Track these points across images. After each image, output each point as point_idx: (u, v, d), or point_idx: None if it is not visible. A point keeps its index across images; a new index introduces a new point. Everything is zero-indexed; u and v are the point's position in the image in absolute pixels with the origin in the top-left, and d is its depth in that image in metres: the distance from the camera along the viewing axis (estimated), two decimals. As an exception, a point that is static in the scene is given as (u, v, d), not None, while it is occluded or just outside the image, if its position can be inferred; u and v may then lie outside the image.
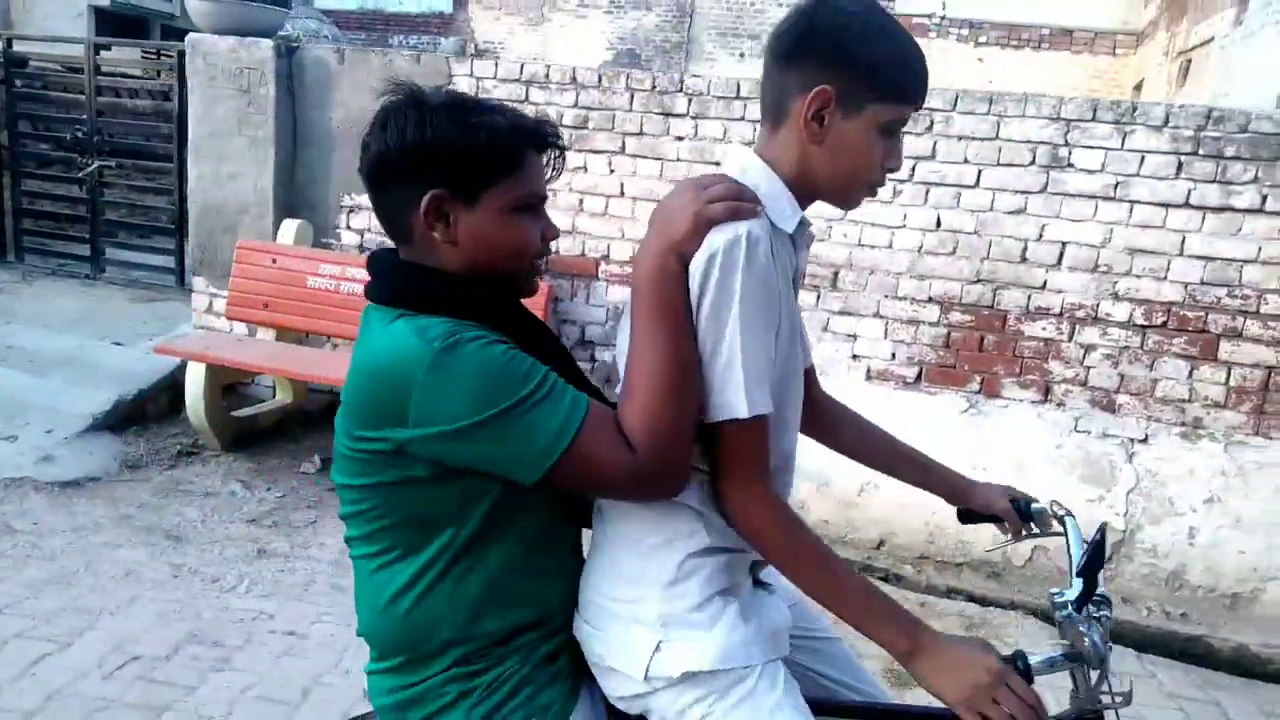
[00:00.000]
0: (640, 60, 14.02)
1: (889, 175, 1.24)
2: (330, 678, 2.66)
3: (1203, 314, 3.62)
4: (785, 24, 1.20)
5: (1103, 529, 1.34)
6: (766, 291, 1.14)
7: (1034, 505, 1.60)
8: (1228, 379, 3.62)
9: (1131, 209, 3.64)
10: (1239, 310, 3.57)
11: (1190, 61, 9.24)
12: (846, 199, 1.27)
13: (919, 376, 3.97)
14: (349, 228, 4.76)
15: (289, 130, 4.75)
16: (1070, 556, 1.49)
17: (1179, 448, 3.70)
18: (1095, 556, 1.29)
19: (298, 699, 2.55)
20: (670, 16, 13.91)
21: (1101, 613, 1.34)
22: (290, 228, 4.59)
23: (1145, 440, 3.74)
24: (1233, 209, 3.53)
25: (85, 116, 5.73)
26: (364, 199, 4.69)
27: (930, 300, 3.92)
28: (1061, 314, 3.77)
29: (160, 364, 4.55)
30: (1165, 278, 3.64)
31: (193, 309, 4.99)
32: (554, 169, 1.27)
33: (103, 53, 5.86)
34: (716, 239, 1.12)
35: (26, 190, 6.13)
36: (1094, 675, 1.29)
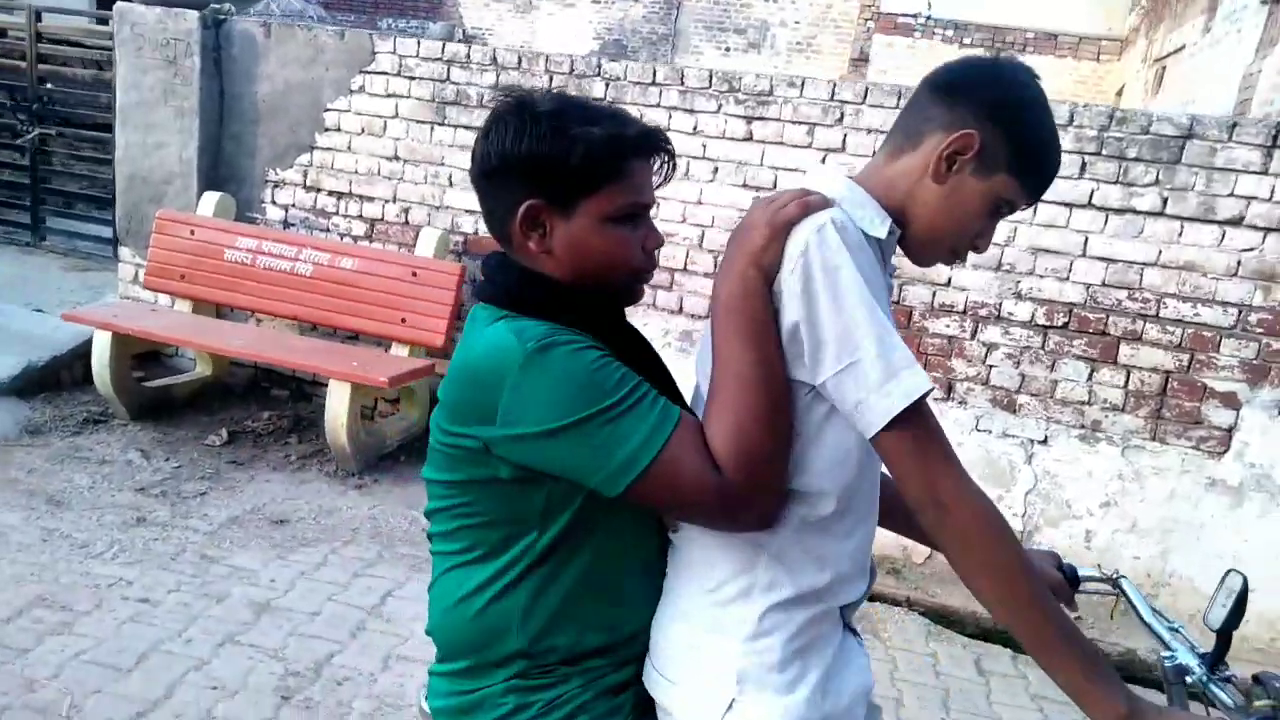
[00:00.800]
0: (627, 51, 13.98)
1: (971, 253, 1.22)
2: (171, 645, 2.64)
3: (1103, 316, 3.58)
4: (961, 64, 1.18)
5: (1244, 581, 1.26)
6: (875, 273, 1.07)
7: (1082, 571, 1.52)
8: (1126, 382, 3.59)
9: (1035, 208, 3.60)
10: (1138, 314, 3.54)
11: (1165, 68, 9.20)
12: (927, 251, 1.21)
13: (825, 370, 3.94)
14: (274, 202, 4.74)
15: (216, 102, 4.73)
16: (1140, 618, 1.41)
17: (1078, 450, 3.68)
18: (1236, 612, 1.22)
19: (130, 665, 2.53)
20: (657, 8, 13.86)
21: (1230, 672, 1.25)
22: (210, 200, 4.57)
23: (1045, 441, 3.71)
24: (1134, 211, 3.50)
25: (25, 84, 5.71)
26: (289, 174, 4.67)
27: (838, 293, 3.88)
28: (965, 312, 3.74)
29: (78, 332, 4.53)
30: (1068, 278, 3.61)
31: (119, 279, 4.97)
32: (664, 176, 1.23)
33: (45, 20, 5.83)
34: (799, 235, 1.07)
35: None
36: None
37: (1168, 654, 1.28)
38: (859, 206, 1.14)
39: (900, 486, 1.05)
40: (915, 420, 1.03)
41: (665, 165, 1.21)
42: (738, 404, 1.08)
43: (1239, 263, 3.40)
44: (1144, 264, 3.51)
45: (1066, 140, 3.53)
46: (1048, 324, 3.65)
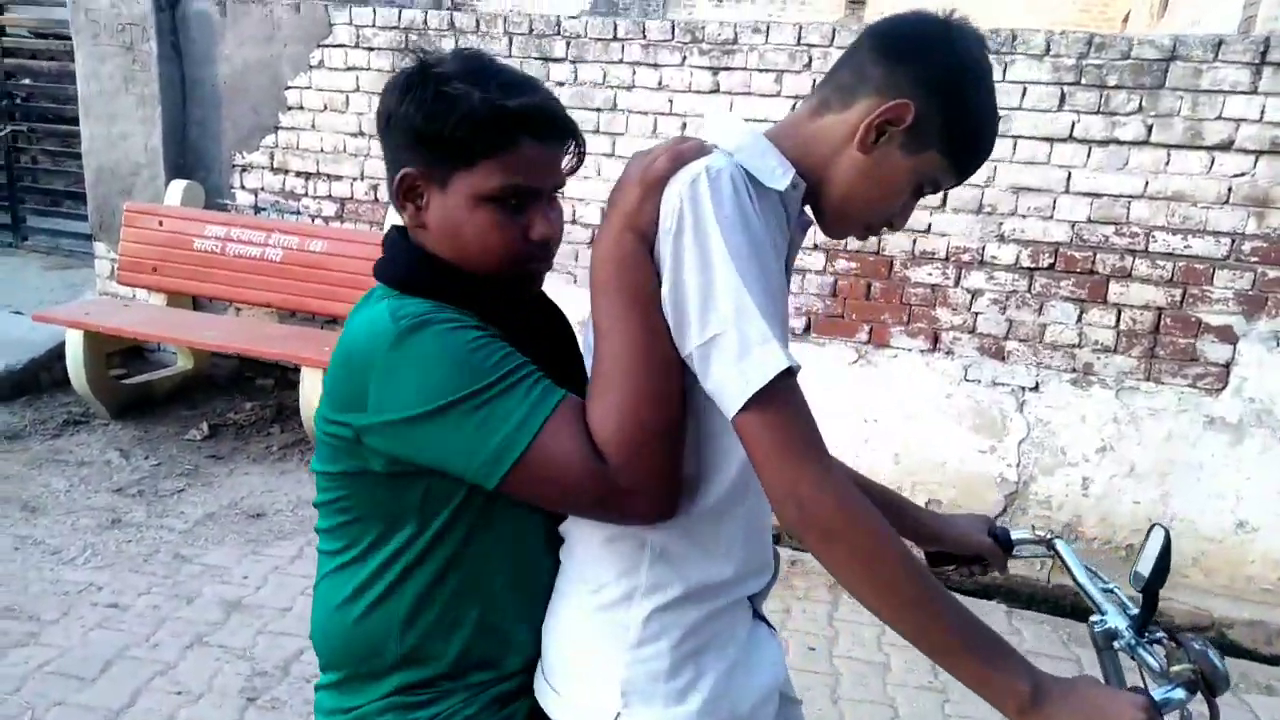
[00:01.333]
0: (619, 9, 13.67)
1: (883, 230, 1.11)
2: (137, 651, 2.61)
3: (1090, 254, 3.43)
4: (910, 21, 1.06)
5: (1167, 535, 1.17)
6: (748, 226, 0.95)
7: (1015, 534, 1.41)
8: (1117, 322, 3.45)
9: (1015, 145, 3.44)
10: (1127, 249, 3.39)
11: (1171, -12, 8.85)
12: (840, 223, 1.11)
13: (807, 328, 3.83)
14: (243, 187, 4.65)
15: (177, 87, 4.63)
16: (1075, 579, 1.31)
17: (1070, 395, 3.55)
18: (1161, 569, 1.13)
19: (95, 673, 2.50)
20: (647, -39, 13.52)
21: (1159, 634, 1.15)
22: (178, 188, 4.49)
23: (1036, 388, 3.58)
24: (1117, 141, 3.33)
25: (-8, 80, 5.63)
26: (256, 158, 4.58)
27: (815, 248, 3.76)
28: (947, 258, 3.60)
29: (55, 333, 4.49)
30: (1051, 217, 3.45)
31: (96, 275, 4.93)
32: (573, 160, 1.11)
33: (7, 12, 5.73)
34: (673, 189, 0.97)
35: (-54, 158, 6.06)
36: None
37: (1097, 619, 1.19)
38: (758, 156, 1.03)
39: (758, 477, 0.94)
40: (773, 403, 0.91)
41: (571, 149, 1.09)
42: (619, 382, 0.98)
43: (1230, 189, 3.23)
44: (1130, 197, 3.35)
45: (1044, 71, 3.36)
46: (1033, 266, 3.50)
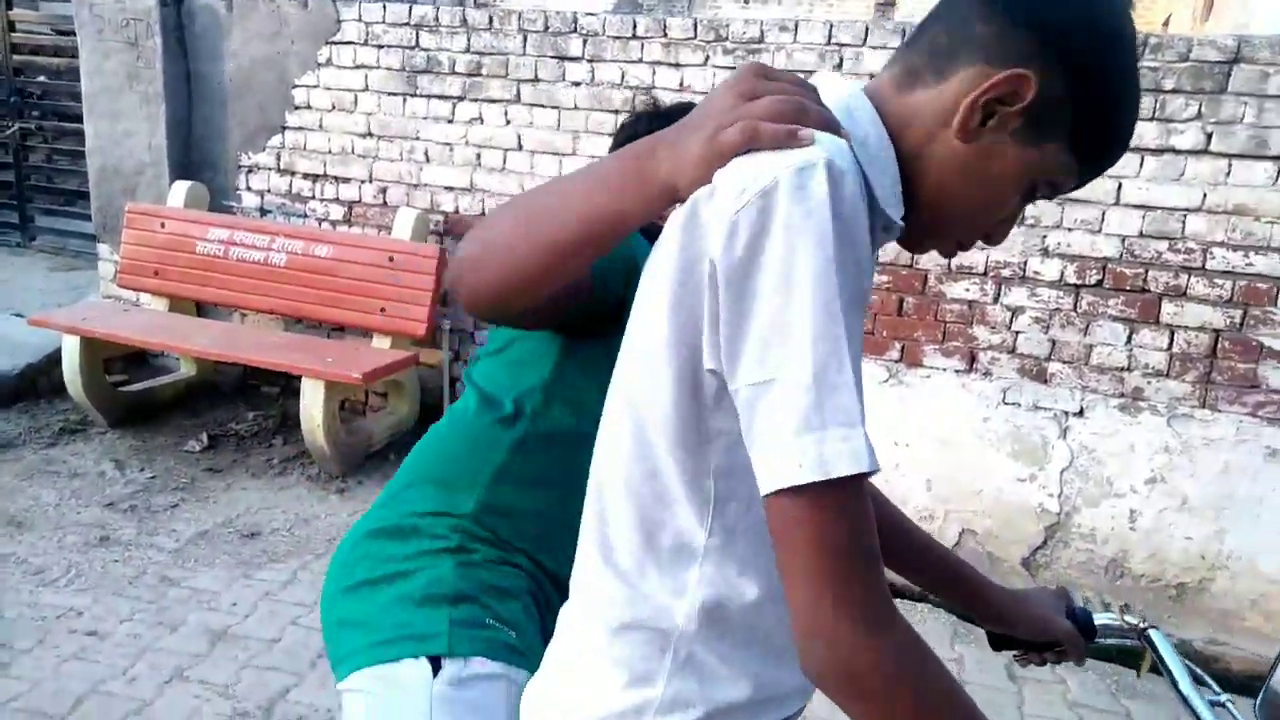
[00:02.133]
0: (643, 9, 13.48)
1: (982, 244, 0.87)
2: (113, 685, 2.44)
3: (1142, 271, 3.19)
4: None
5: None
6: (859, 266, 0.71)
7: (1099, 619, 1.18)
8: (1170, 344, 3.20)
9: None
10: (1182, 266, 3.14)
11: (1215, -9, 8.55)
12: (930, 233, 0.85)
13: (835, 343, 3.60)
14: (249, 188, 4.49)
15: (182, 84, 4.48)
16: (1175, 685, 1.09)
17: (1117, 421, 3.31)
18: None
19: (65, 711, 2.33)
20: (673, -40, 13.33)
21: None
22: (181, 189, 4.34)
23: (1080, 413, 3.35)
24: (1174, 150, 3.09)
25: (1, 78, 5.51)
26: (262, 158, 4.42)
27: (845, 259, 3.53)
28: (985, 273, 3.37)
29: (56, 336, 4.34)
30: (1100, 230, 3.22)
31: (100, 277, 4.79)
32: None
33: (15, 8, 5.61)
34: (772, 163, 0.70)
35: (-45, 156, 5.96)
36: None
37: None
38: (881, 166, 0.79)
39: (783, 584, 0.71)
40: (833, 504, 0.67)
41: None
42: (529, 212, 0.87)
43: (1298, 204, 2.98)
44: (1186, 210, 3.11)
45: (1095, 74, 3.12)
46: (1079, 283, 3.26)
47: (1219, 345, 3.15)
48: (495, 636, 1.13)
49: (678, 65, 3.65)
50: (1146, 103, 3.08)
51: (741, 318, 0.69)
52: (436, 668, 1.09)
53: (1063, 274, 3.28)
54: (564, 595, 0.96)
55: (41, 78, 5.83)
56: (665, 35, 3.65)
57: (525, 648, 1.14)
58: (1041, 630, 1.15)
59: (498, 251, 0.88)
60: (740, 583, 0.81)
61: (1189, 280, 3.14)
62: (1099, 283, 3.24)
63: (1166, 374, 3.23)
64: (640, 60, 3.69)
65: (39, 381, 4.31)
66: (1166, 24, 10.55)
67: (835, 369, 0.67)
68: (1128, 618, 1.11)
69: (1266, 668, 3.05)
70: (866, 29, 3.39)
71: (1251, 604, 3.18)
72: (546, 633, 1.09)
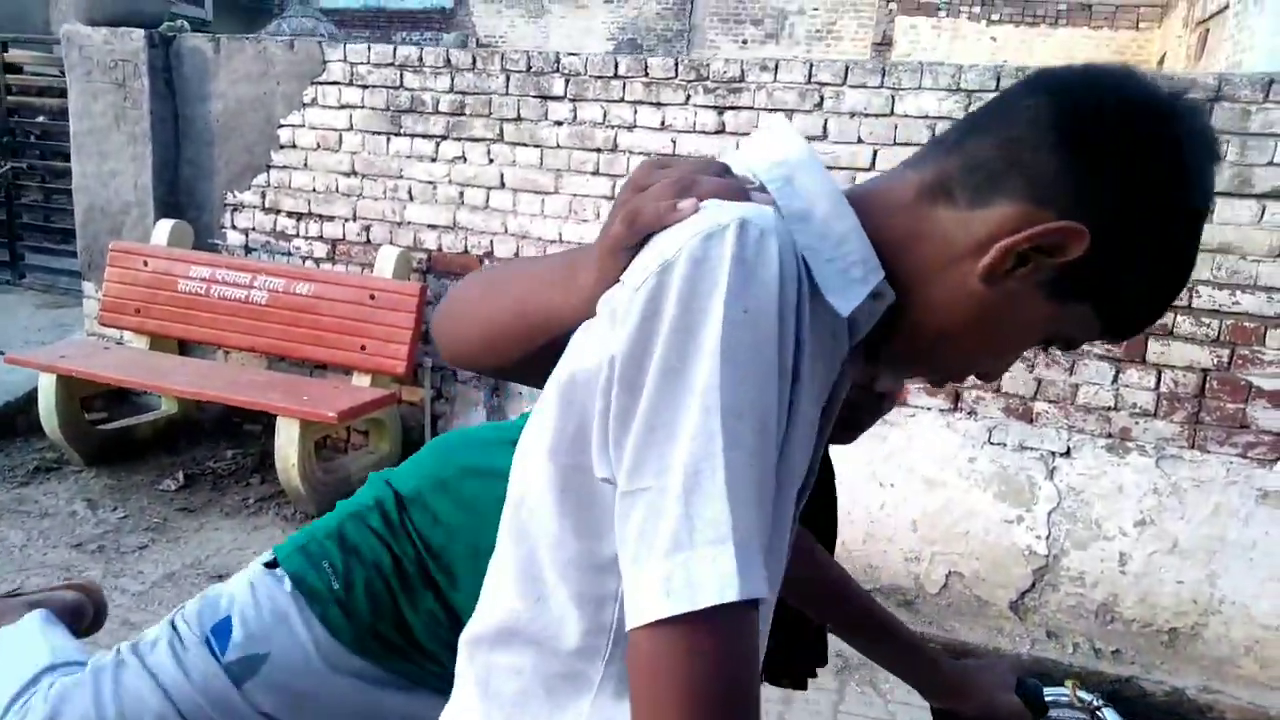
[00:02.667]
0: (641, 49, 13.63)
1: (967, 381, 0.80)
2: (61, 735, 2.36)
3: (1127, 309, 3.14)
4: (1121, 95, 0.66)
5: None
6: (779, 344, 0.60)
7: (1049, 693, 1.11)
8: (1158, 384, 3.14)
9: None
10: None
11: (1208, 31, 8.61)
12: (914, 364, 0.76)
13: (818, 382, 3.55)
14: (234, 227, 4.48)
15: (169, 124, 4.49)
16: None
17: (1105, 462, 3.24)
18: None
19: (8, 762, 2.25)
20: (671, 4, 13.50)
21: None
22: (164, 228, 4.33)
23: (1067, 453, 3.28)
24: (1157, 187, 3.05)
25: (-5, 117, 5.56)
26: (247, 196, 4.41)
27: (827, 297, 3.49)
28: (969, 311, 3.32)
29: (33, 375, 4.31)
30: (1084, 268, 3.17)
31: (85, 315, 4.77)
32: None
33: (10, 51, 5.66)
34: (674, 241, 0.62)
35: (-52, 196, 5.98)
36: None
37: None
38: (832, 237, 0.66)
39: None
40: (690, 644, 0.56)
41: None
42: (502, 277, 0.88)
43: (1283, 241, 2.94)
44: (1171, 248, 3.07)
45: (1075, 111, 3.10)
46: (1064, 321, 3.21)
47: (1207, 385, 3.08)
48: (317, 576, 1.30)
49: (659, 104, 3.64)
50: (1127, 140, 3.05)
51: (627, 414, 0.60)
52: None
53: (1047, 312, 3.23)
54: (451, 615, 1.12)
55: (41, 118, 5.87)
56: (646, 75, 3.64)
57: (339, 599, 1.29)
58: (988, 706, 1.08)
59: (465, 313, 0.88)
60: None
61: (1175, 319, 3.09)
62: (1083, 321, 3.19)
63: (1154, 414, 3.16)
64: (622, 99, 3.68)
65: (17, 420, 4.27)
66: (1161, 63, 10.62)
67: (709, 474, 0.56)
68: (1080, 694, 1.03)
69: (1263, 717, 2.94)
70: (846, 68, 3.38)
71: (1246, 650, 3.08)
72: (398, 615, 1.28)
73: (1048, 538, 3.32)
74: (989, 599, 3.38)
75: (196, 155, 4.50)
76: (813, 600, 1.14)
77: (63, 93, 5.46)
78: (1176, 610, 3.21)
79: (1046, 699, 1.08)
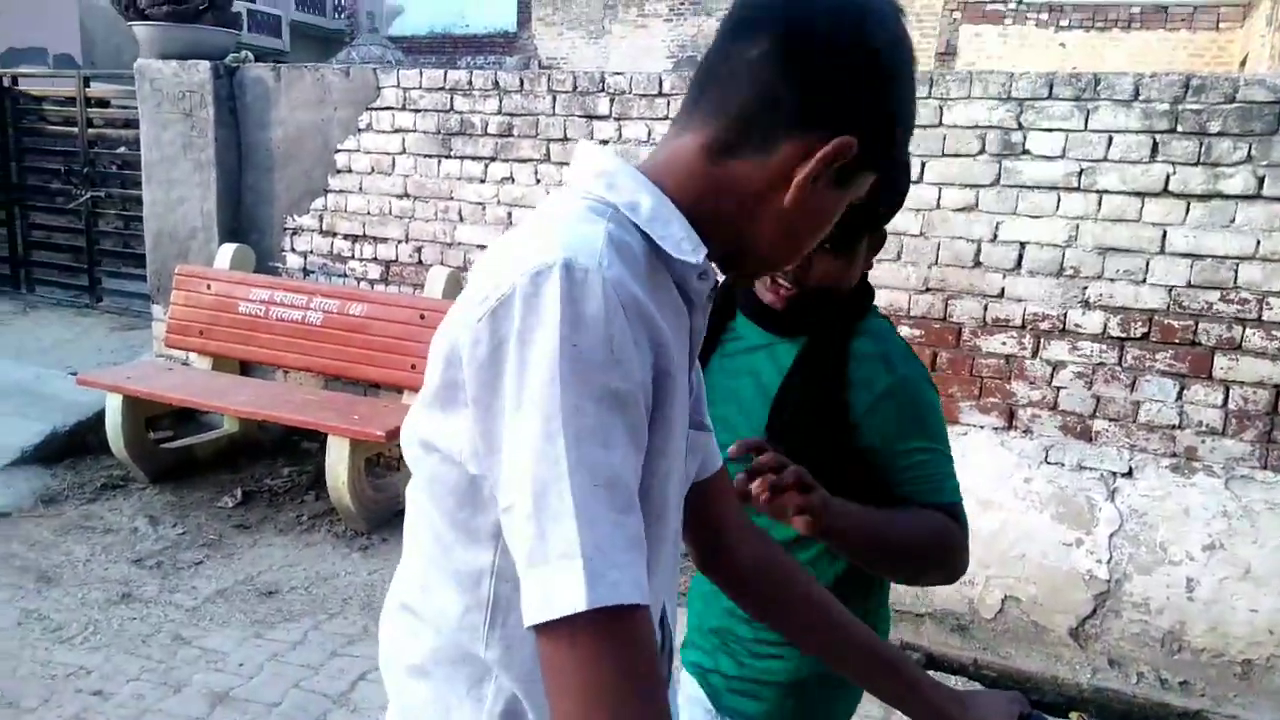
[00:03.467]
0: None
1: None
2: (109, 747, 2.43)
3: (1191, 323, 3.00)
4: (817, 14, 0.76)
5: None
6: (618, 367, 0.67)
7: None
8: (1225, 400, 2.99)
9: (1100, 200, 3.06)
10: (1235, 318, 2.94)
11: (1291, 32, 8.24)
12: (764, 268, 0.94)
13: (867, 400, 3.47)
14: (293, 250, 4.60)
15: (233, 152, 4.64)
16: None
17: (1170, 483, 3.09)
18: None
19: (57, 773, 2.32)
20: (732, 20, 13.51)
21: None
22: (227, 251, 4.46)
23: (1129, 474, 3.14)
24: (1222, 195, 2.92)
25: (78, 148, 5.81)
26: (305, 220, 4.53)
27: (876, 313, 3.42)
28: (1024, 326, 3.21)
29: (104, 395, 4.48)
30: (1144, 281, 3.04)
31: (154, 337, 4.94)
32: None
33: (92, 85, 5.93)
34: (507, 274, 0.69)
35: (33, 223, 6.28)
36: None
37: None
38: (663, 222, 0.77)
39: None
40: (565, 646, 0.63)
41: None
42: None
43: (1359, 250, 2.78)
44: (1238, 258, 2.92)
45: (1132, 118, 2.99)
46: (1124, 335, 3.08)
47: (1279, 402, 2.92)
48: None
49: (703, 120, 3.62)
50: (1190, 146, 2.93)
51: (488, 436, 0.68)
52: None
53: (1105, 326, 3.10)
54: None
55: (121, 149, 6.11)
56: (690, 91, 3.63)
57: None
58: None
59: None
60: (531, 707, 0.77)
61: (1244, 332, 2.94)
62: (1145, 335, 3.06)
63: (1222, 433, 3.01)
64: (666, 117, 3.67)
65: (88, 438, 4.43)
66: (1243, 64, 10.21)
67: (556, 495, 0.63)
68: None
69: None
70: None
71: (1327, 686, 2.90)
72: None
73: (1109, 561, 3.17)
74: (1047, 625, 3.25)
75: (258, 181, 4.64)
76: (778, 610, 1.07)
77: (133, 123, 5.70)
78: (1251, 640, 3.04)
79: None
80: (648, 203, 0.77)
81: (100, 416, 4.44)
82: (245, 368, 4.58)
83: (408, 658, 0.82)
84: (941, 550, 1.27)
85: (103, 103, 5.98)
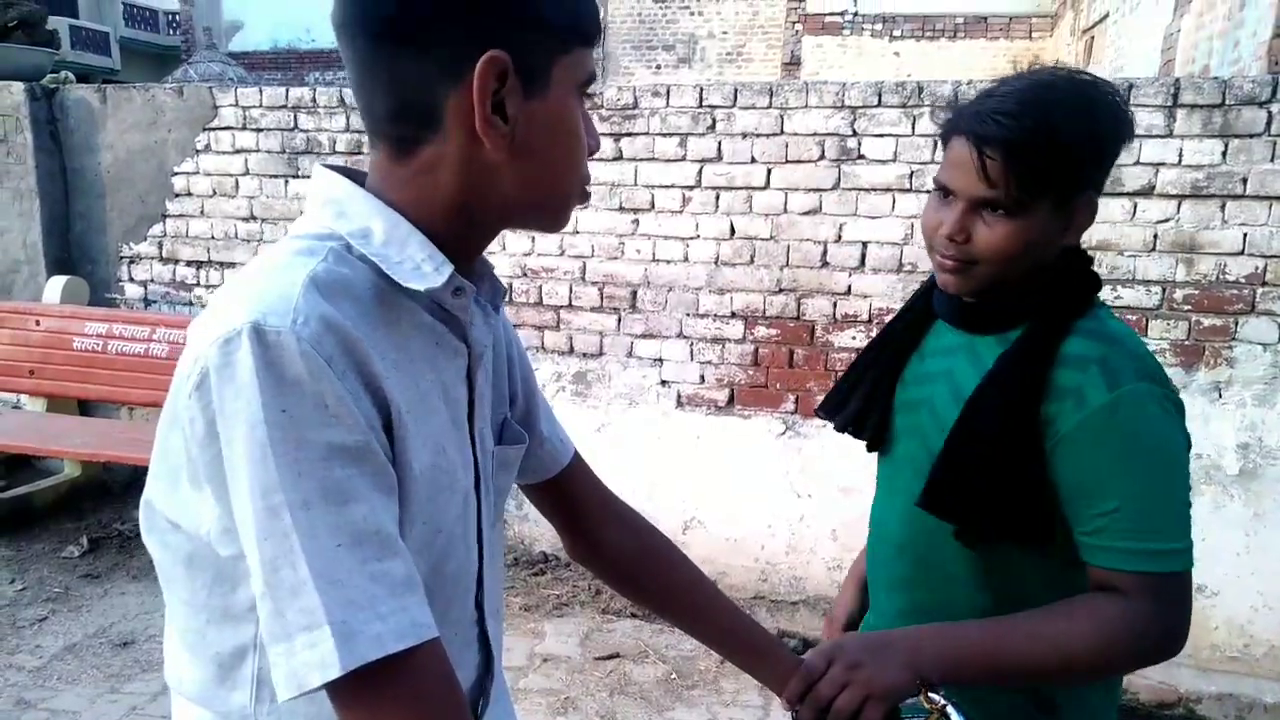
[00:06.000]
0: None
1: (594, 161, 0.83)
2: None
3: (1018, 310, 3.23)
4: None
5: None
6: (337, 421, 0.64)
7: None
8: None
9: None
10: (1055, 303, 3.20)
11: (1093, 38, 8.98)
12: (559, 213, 0.82)
13: (730, 399, 3.58)
14: (132, 279, 4.37)
15: (58, 179, 4.36)
16: None
17: (1010, 460, 3.31)
18: None
19: None
20: (582, 33, 13.62)
21: None
22: (56, 285, 4.19)
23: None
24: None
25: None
26: (144, 248, 4.30)
27: (733, 315, 3.53)
28: (870, 320, 3.39)
29: (-76, 445, 4.13)
30: (975, 273, 3.26)
31: (-21, 380, 4.58)
32: None
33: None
34: (200, 343, 0.66)
35: None
36: None
37: None
38: (397, 244, 0.74)
39: None
40: (365, 696, 0.64)
41: None
42: None
43: (1155, 236, 3.06)
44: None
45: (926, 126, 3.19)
46: (960, 325, 3.30)
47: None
48: None
49: (555, 133, 3.65)
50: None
51: (232, 517, 0.67)
52: None
53: (943, 318, 3.30)
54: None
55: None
56: (540, 105, 3.65)
57: None
58: None
59: None
60: None
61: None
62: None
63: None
64: (517, 130, 3.69)
65: (-87, 494, 4.07)
66: (1055, 72, 11.03)
67: (289, 568, 0.62)
68: (932, 696, 1.03)
69: (1174, 695, 2.99)
70: (736, 91, 3.44)
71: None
72: None
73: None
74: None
75: (88, 209, 4.38)
76: (638, 581, 1.11)
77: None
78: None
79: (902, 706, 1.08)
80: (380, 227, 0.73)
81: (-80, 470, 4.10)
82: (85, 407, 4.32)
83: None
84: (1103, 649, 0.98)
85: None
